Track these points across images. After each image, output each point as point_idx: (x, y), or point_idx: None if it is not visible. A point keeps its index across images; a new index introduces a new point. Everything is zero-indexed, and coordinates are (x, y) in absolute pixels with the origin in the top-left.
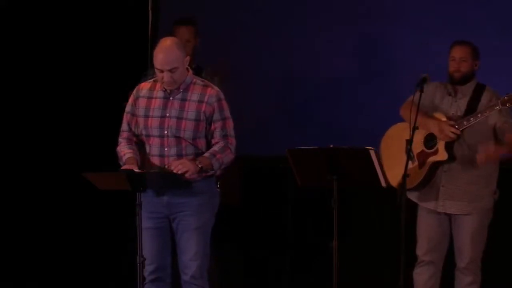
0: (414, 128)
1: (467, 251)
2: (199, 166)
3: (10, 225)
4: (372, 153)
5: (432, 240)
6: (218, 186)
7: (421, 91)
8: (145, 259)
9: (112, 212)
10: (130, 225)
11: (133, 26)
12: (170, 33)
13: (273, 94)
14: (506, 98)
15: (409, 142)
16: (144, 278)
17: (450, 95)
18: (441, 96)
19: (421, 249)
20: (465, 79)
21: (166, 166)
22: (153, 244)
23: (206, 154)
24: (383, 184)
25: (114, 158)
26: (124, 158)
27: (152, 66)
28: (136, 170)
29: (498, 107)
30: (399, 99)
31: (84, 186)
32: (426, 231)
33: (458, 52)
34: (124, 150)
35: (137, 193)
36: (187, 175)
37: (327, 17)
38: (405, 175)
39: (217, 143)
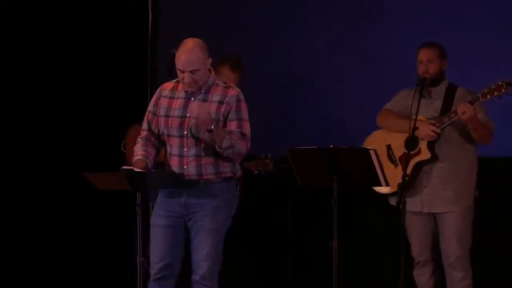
0: (414, 129)
1: (455, 247)
2: (212, 128)
3: (12, 225)
4: (372, 153)
5: (422, 239)
6: (238, 188)
7: (421, 90)
8: (145, 259)
9: (118, 212)
10: (136, 224)
11: (133, 26)
12: (170, 34)
13: (273, 94)
14: (479, 95)
15: (410, 141)
16: (147, 277)
17: (424, 97)
18: (410, 102)
19: (414, 250)
20: (435, 81)
21: (185, 167)
22: (164, 242)
23: (225, 129)
24: (383, 184)
25: (114, 158)
26: (134, 160)
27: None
28: (136, 170)
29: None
30: None
31: (88, 186)
32: (415, 233)
33: (424, 55)
34: (138, 152)
35: (138, 193)
36: (199, 122)
37: (327, 17)
38: (405, 175)
39: (236, 132)
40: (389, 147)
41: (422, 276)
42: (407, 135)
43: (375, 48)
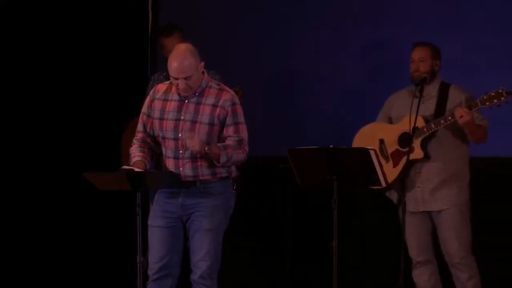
0: (414, 129)
1: (456, 247)
2: (206, 151)
3: (11, 226)
4: (372, 153)
5: (420, 240)
6: (235, 187)
7: (421, 90)
8: (145, 259)
9: (118, 212)
10: (136, 224)
11: (133, 26)
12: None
13: (273, 94)
14: (478, 101)
15: (410, 140)
16: (146, 278)
17: (416, 97)
18: (404, 101)
19: (412, 251)
20: (424, 80)
21: (181, 169)
22: (162, 243)
23: (219, 144)
24: (383, 184)
25: (114, 158)
26: (132, 161)
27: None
28: (136, 170)
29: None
30: None
31: (87, 186)
32: (412, 233)
33: (416, 54)
34: (135, 153)
35: (137, 193)
36: (192, 150)
37: (327, 17)
38: (405, 175)
39: (232, 140)
40: (382, 141)
41: (421, 276)
42: (401, 130)
43: (375, 48)
